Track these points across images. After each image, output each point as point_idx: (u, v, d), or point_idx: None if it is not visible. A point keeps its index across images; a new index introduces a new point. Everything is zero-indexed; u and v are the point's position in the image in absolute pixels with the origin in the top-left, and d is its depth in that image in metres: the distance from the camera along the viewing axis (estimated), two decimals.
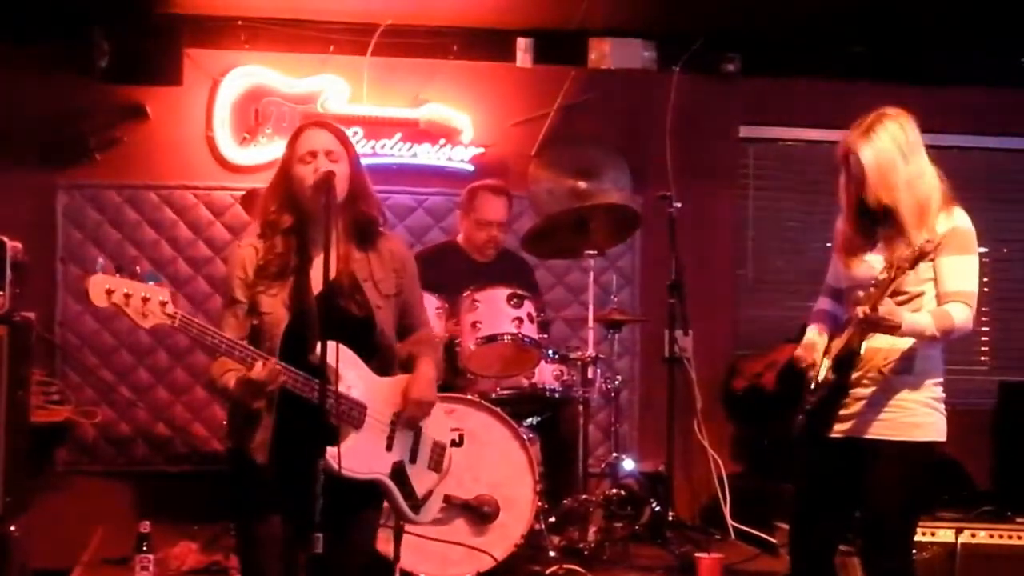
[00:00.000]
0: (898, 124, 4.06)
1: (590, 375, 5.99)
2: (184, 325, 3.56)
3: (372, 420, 3.84)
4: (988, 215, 7.31)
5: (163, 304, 3.51)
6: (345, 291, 3.86)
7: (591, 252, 6.10)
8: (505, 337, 5.65)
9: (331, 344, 3.59)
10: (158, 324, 3.52)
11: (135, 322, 3.51)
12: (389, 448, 3.92)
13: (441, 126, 7.24)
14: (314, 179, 3.78)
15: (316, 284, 3.78)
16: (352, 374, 3.79)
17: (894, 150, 4.02)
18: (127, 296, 3.46)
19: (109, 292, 3.45)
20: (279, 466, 3.74)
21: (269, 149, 7.03)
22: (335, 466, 3.61)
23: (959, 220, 4.05)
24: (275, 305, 3.78)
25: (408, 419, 3.96)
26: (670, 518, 6.47)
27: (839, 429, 4.11)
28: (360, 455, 3.78)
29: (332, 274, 3.73)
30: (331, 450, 3.59)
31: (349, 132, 4.05)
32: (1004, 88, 7.70)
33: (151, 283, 3.51)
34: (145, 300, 3.48)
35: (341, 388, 3.72)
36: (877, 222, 4.09)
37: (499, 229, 6.36)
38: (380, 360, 3.94)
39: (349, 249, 3.92)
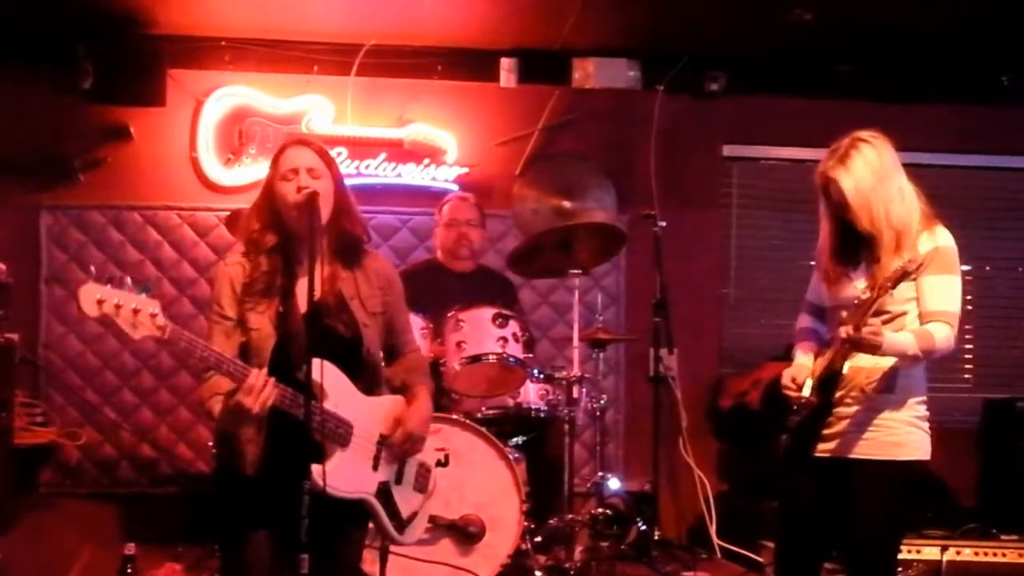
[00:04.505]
0: (873, 148, 4.05)
1: (575, 394, 5.97)
2: (174, 337, 3.53)
3: (358, 439, 3.83)
4: (971, 233, 7.34)
5: (153, 316, 3.48)
6: (332, 310, 3.86)
7: (576, 271, 6.09)
8: (490, 357, 5.65)
9: (317, 362, 3.59)
10: (148, 336, 3.49)
11: (125, 333, 3.47)
12: (375, 468, 3.91)
13: (425, 146, 7.26)
14: (297, 197, 3.77)
15: (302, 303, 3.77)
16: (338, 392, 3.77)
17: (870, 175, 4.02)
18: (118, 307, 3.42)
19: (100, 302, 3.41)
20: (267, 481, 3.73)
21: (253, 169, 7.04)
22: (320, 484, 3.60)
23: (942, 239, 4.05)
24: (263, 322, 3.77)
25: (398, 451, 3.96)
26: (656, 537, 6.49)
27: (823, 448, 4.11)
28: (345, 473, 3.77)
29: (317, 294, 3.72)
30: (316, 467, 3.58)
31: (333, 152, 4.04)
32: (986, 107, 7.74)
33: (142, 295, 3.49)
34: (136, 311, 3.45)
35: (327, 406, 3.70)
36: (859, 246, 4.10)
37: (467, 227, 6.41)
38: (367, 379, 3.93)
39: (335, 268, 3.92)
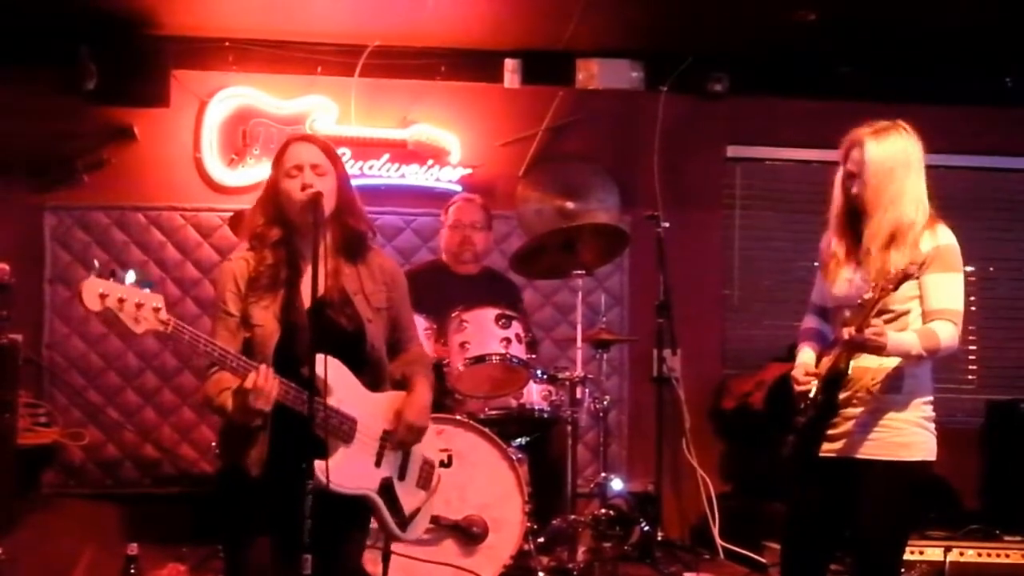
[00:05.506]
0: (911, 138, 4.10)
1: (579, 395, 5.96)
2: (177, 331, 3.52)
3: (362, 435, 3.83)
4: (975, 234, 7.35)
5: (156, 310, 3.47)
6: (335, 305, 3.86)
7: (579, 272, 6.09)
8: (493, 357, 5.64)
9: (321, 357, 3.59)
10: (151, 330, 3.48)
11: (128, 327, 3.45)
12: (378, 464, 3.91)
13: (429, 147, 7.26)
14: (301, 196, 3.78)
15: (306, 298, 3.78)
16: (342, 388, 3.77)
17: (900, 158, 4.04)
18: (121, 301, 3.41)
19: (103, 296, 3.39)
20: (272, 481, 3.73)
21: (257, 170, 7.04)
22: (323, 480, 3.60)
23: (943, 238, 4.05)
24: (267, 318, 3.78)
25: (400, 442, 3.96)
26: (659, 538, 6.47)
27: (828, 449, 4.10)
28: (349, 470, 3.76)
29: (321, 290, 3.72)
30: (320, 464, 3.59)
31: (337, 152, 4.04)
32: (989, 107, 7.73)
33: (145, 290, 3.48)
34: (139, 306, 3.44)
35: (331, 402, 3.71)
36: (861, 228, 4.09)
37: (471, 230, 6.39)
38: (371, 374, 3.93)
39: (338, 263, 3.92)
